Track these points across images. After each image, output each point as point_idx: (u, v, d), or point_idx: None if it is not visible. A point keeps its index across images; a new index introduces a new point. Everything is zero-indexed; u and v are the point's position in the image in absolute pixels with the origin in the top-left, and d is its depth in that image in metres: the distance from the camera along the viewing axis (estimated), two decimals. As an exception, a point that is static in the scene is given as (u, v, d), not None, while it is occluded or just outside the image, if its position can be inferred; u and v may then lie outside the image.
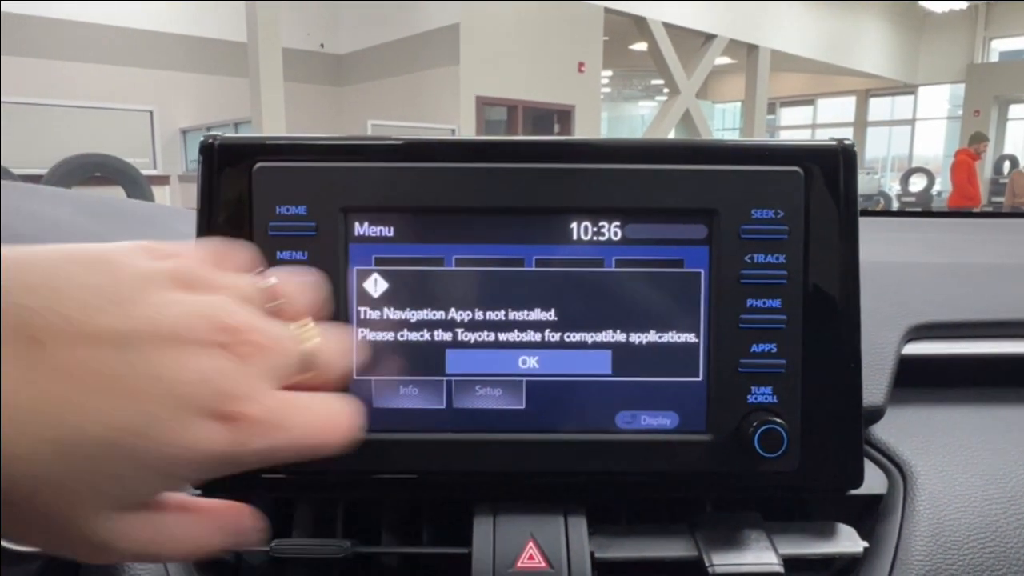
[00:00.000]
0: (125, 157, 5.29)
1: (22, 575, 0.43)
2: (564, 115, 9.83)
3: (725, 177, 0.41)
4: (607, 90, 16.33)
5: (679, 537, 0.41)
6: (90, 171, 4.92)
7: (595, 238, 0.41)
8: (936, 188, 9.14)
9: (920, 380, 0.51)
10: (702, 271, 0.41)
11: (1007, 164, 9.42)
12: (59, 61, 8.60)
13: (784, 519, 0.43)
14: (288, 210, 0.40)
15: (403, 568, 0.44)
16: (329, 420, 0.26)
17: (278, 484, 0.42)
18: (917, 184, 8.74)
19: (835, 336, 0.41)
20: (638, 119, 19.11)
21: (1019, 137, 13.80)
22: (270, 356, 0.25)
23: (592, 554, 0.40)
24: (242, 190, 0.41)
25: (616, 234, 0.41)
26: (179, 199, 7.94)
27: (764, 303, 0.41)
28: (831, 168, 0.41)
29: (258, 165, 0.41)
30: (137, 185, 5.10)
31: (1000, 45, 14.50)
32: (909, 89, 15.44)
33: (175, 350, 0.23)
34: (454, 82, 8.72)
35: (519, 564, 0.39)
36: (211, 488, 0.41)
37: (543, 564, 0.39)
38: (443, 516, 0.44)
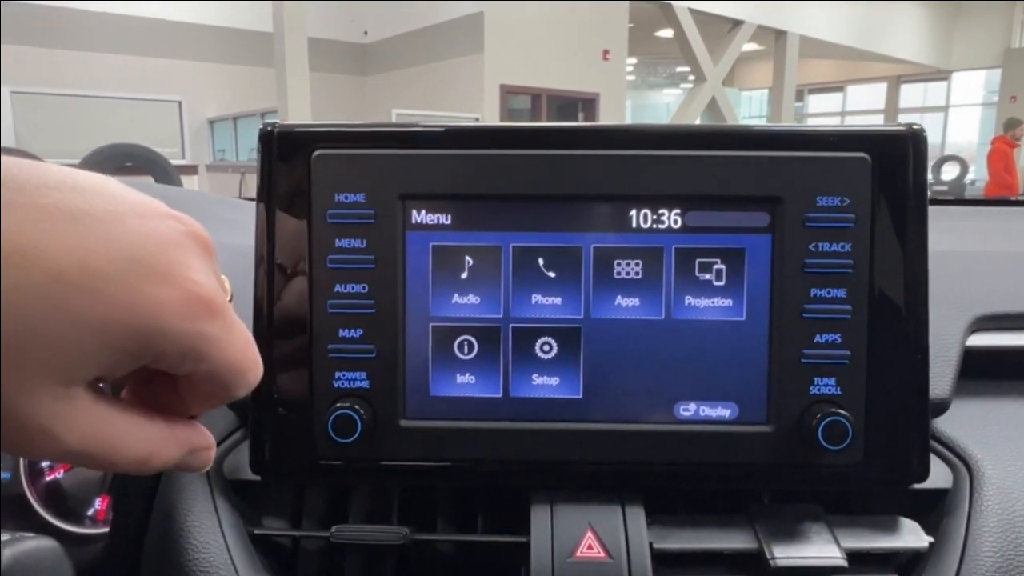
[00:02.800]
0: (154, 147, 5.35)
1: (87, 556, 0.44)
2: (589, 103, 9.75)
3: (789, 163, 0.40)
4: (631, 78, 16.15)
5: (738, 529, 0.41)
6: (121, 161, 4.98)
7: (655, 226, 0.41)
8: (970, 176, 8.91)
9: (983, 372, 0.49)
10: (764, 260, 0.40)
11: (1045, 152, 9.13)
12: (91, 52, 8.73)
13: (840, 512, 0.42)
14: (347, 198, 0.40)
15: (457, 556, 0.44)
16: (251, 345, 0.26)
17: (335, 471, 0.42)
18: (949, 173, 8.51)
19: (901, 327, 0.40)
20: (663, 107, 18.90)
21: (1058, 124, 13.38)
22: (214, 264, 0.26)
23: (651, 544, 0.40)
24: (301, 178, 0.41)
25: (676, 222, 0.41)
26: (207, 189, 8.03)
27: (828, 292, 0.40)
28: (900, 154, 0.40)
29: (317, 153, 0.41)
30: (166, 174, 5.16)
31: (1039, 29, 14.05)
32: (942, 75, 15.04)
33: (142, 219, 0.24)
34: (478, 70, 8.68)
35: (578, 554, 0.39)
36: (263, 471, 0.42)
37: (602, 554, 0.39)
38: (496, 505, 0.44)
